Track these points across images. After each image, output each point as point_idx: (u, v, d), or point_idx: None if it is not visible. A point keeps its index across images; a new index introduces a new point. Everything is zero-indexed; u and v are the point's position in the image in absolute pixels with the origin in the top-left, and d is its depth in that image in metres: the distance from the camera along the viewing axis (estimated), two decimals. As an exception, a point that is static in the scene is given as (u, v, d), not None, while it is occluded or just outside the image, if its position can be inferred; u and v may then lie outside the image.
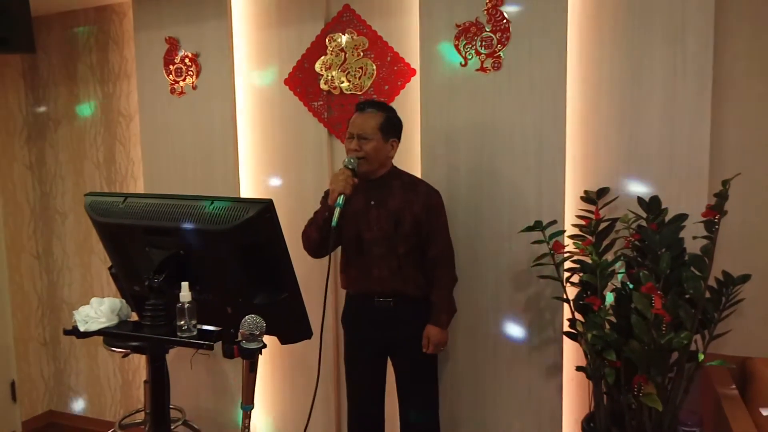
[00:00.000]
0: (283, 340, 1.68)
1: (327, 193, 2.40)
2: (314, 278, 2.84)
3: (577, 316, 2.24)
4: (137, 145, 3.33)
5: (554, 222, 2.31)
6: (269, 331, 1.49)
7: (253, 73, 2.98)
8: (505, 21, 2.46)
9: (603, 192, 2.38)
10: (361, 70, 2.74)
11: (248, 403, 1.48)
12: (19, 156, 3.63)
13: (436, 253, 2.32)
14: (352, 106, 2.64)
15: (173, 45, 3.04)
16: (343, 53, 2.76)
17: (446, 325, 2.34)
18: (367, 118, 2.23)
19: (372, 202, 2.29)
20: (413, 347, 2.33)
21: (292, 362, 3.02)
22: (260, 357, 1.48)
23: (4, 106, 3.55)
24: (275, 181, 2.99)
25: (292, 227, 2.86)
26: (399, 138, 2.32)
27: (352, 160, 2.18)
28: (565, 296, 2.28)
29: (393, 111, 2.32)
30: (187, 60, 3.02)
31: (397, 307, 2.30)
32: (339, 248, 2.46)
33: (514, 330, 2.56)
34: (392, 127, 2.28)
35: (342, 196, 2.09)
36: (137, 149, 3.33)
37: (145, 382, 3.11)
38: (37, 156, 3.66)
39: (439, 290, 2.33)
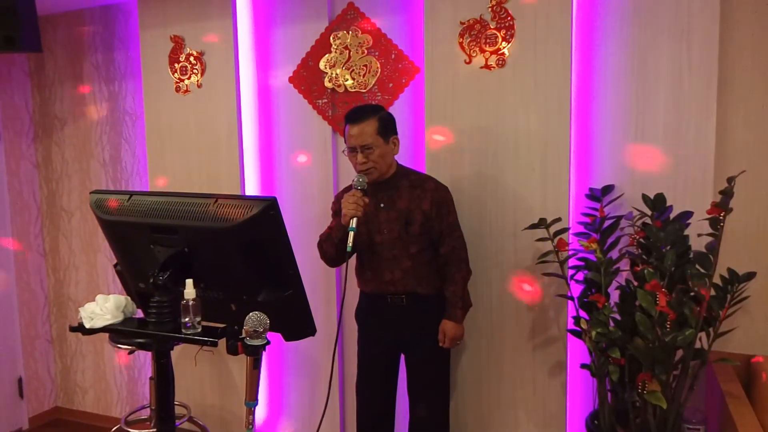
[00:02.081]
0: (287, 337, 1.69)
1: (336, 200, 2.41)
2: (322, 276, 2.86)
3: (582, 313, 2.23)
4: (143, 144, 3.34)
5: (558, 219, 2.30)
6: (273, 328, 1.50)
7: (257, 71, 2.99)
8: (509, 18, 2.45)
9: (607, 189, 2.37)
10: (365, 68, 2.74)
11: (252, 400, 1.49)
12: (26, 154, 3.66)
13: (449, 249, 2.33)
14: (356, 104, 2.64)
15: (178, 43, 3.05)
16: (347, 51, 2.76)
17: (461, 319, 2.34)
18: (363, 128, 2.21)
19: (381, 205, 2.30)
20: (426, 344, 2.34)
21: (296, 359, 3.03)
22: (264, 354, 1.49)
23: (11, 105, 3.57)
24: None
25: (296, 225, 2.87)
26: (396, 132, 2.33)
27: (360, 180, 2.19)
28: (569, 294, 2.28)
29: (382, 109, 2.33)
30: (192, 58, 3.03)
31: (409, 304, 2.31)
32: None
33: (519, 327, 2.55)
34: (388, 126, 2.28)
35: (355, 219, 2.12)
36: (143, 147, 3.35)
37: (151, 378, 3.12)
38: (44, 154, 3.68)
39: (454, 285, 2.33)
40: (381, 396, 2.43)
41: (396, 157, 2.35)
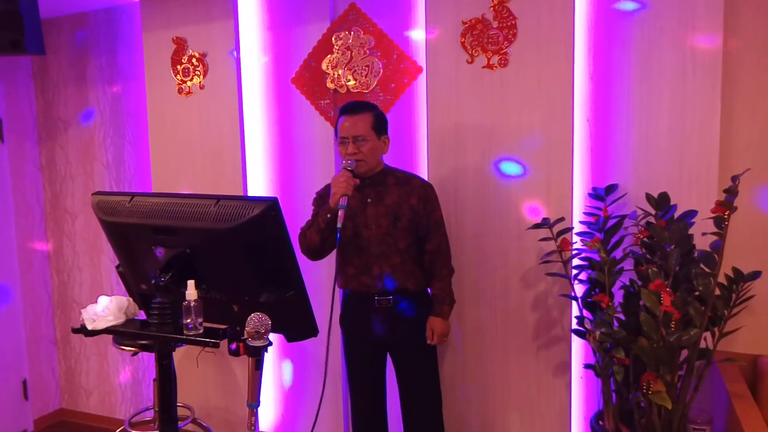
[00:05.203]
0: (290, 338, 1.69)
1: (318, 196, 2.42)
2: (325, 277, 2.85)
3: (586, 313, 2.22)
4: (146, 145, 3.34)
5: (562, 219, 2.29)
6: (275, 329, 1.49)
7: (259, 73, 2.99)
8: (511, 18, 2.44)
9: (611, 188, 2.36)
10: (367, 69, 2.74)
11: (254, 401, 1.48)
12: (29, 156, 3.67)
13: (434, 246, 2.34)
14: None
15: (181, 45, 3.06)
16: (349, 52, 2.76)
17: (448, 316, 2.36)
18: (357, 120, 2.24)
19: (368, 200, 2.30)
20: (413, 343, 2.35)
21: (300, 360, 3.03)
22: (267, 355, 1.49)
23: (15, 107, 3.59)
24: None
25: (298, 226, 2.87)
26: (387, 133, 2.34)
27: (350, 162, 2.22)
28: (573, 294, 2.27)
29: (377, 107, 2.36)
30: (194, 60, 3.03)
31: (396, 304, 2.31)
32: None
33: (522, 328, 2.55)
34: (382, 124, 2.31)
35: (345, 198, 2.13)
36: (146, 149, 3.35)
37: (154, 380, 3.12)
38: (48, 156, 3.69)
39: (440, 282, 2.35)
40: (372, 396, 2.43)
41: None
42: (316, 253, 2.31)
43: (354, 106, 2.30)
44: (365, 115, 2.26)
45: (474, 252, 2.58)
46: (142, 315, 1.73)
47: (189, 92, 3.07)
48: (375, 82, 2.73)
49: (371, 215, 2.29)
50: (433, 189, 2.38)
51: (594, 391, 2.50)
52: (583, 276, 2.28)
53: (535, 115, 2.44)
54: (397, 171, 2.39)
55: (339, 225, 2.10)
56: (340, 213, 2.11)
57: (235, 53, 2.93)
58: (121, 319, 1.66)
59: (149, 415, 3.22)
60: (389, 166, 2.40)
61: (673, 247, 2.02)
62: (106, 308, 1.64)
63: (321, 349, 2.91)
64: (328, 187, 2.33)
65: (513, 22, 2.44)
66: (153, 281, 1.55)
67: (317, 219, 2.26)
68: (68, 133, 3.61)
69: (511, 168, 2.50)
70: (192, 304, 1.49)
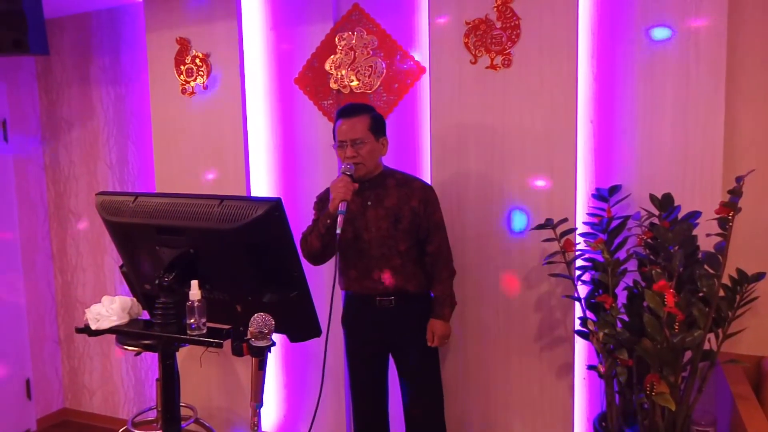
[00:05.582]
0: (293, 339, 1.69)
1: (319, 200, 2.42)
2: (327, 278, 2.85)
3: (589, 314, 2.22)
4: (149, 145, 3.35)
5: (565, 220, 2.29)
6: (279, 330, 1.49)
7: (262, 73, 2.99)
8: (515, 18, 2.44)
9: (614, 189, 2.36)
10: (370, 69, 2.74)
11: (257, 401, 1.48)
12: (33, 157, 3.67)
13: (435, 248, 2.34)
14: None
15: (184, 45, 3.06)
16: (352, 52, 2.76)
17: (449, 318, 2.36)
18: (355, 123, 2.24)
19: (369, 203, 2.30)
20: (415, 344, 2.35)
21: (302, 360, 3.03)
22: (271, 355, 1.49)
23: (19, 107, 3.59)
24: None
25: (301, 226, 2.87)
26: (386, 134, 2.34)
27: (349, 167, 2.21)
28: (576, 295, 2.26)
29: (374, 109, 2.35)
30: (197, 60, 3.04)
31: (397, 305, 2.31)
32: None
33: (525, 329, 2.54)
34: (380, 126, 2.31)
35: (344, 203, 2.13)
36: (149, 149, 3.36)
37: (157, 380, 3.13)
38: (51, 157, 3.70)
39: (441, 284, 2.35)
40: (373, 397, 2.43)
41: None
42: (317, 258, 2.32)
43: (351, 109, 2.29)
44: (362, 118, 2.25)
45: (476, 252, 2.57)
46: (145, 315, 1.74)
47: (192, 92, 3.08)
48: (378, 83, 2.73)
49: (371, 218, 2.29)
50: (434, 191, 2.38)
51: (597, 392, 2.50)
52: (586, 277, 2.28)
53: (538, 115, 2.44)
54: (397, 173, 2.38)
55: (339, 231, 2.10)
56: (340, 218, 2.11)
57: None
58: (125, 319, 1.66)
59: (152, 415, 3.22)
60: (389, 167, 2.40)
61: (676, 248, 2.02)
62: (110, 308, 1.65)
63: (320, 348, 2.91)
64: (328, 191, 2.33)
65: (516, 22, 2.44)
66: (156, 281, 1.55)
67: (317, 224, 2.26)
68: (72, 133, 3.62)
69: (513, 168, 2.50)
70: (195, 304, 1.50)
